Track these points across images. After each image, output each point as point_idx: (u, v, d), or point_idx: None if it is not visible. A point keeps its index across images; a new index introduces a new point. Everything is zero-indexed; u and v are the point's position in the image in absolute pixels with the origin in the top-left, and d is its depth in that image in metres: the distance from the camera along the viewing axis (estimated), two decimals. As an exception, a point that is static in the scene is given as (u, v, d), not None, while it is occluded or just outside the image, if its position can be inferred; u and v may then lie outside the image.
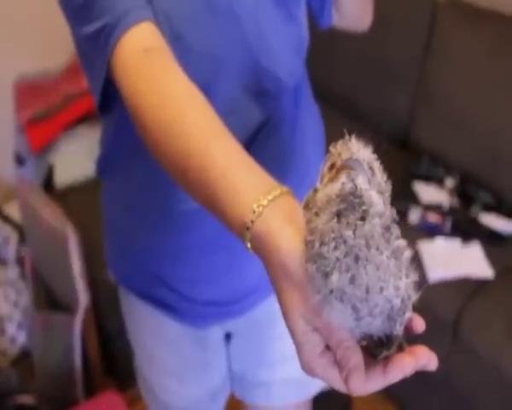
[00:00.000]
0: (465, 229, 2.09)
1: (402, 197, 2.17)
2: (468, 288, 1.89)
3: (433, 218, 2.11)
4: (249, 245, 0.60)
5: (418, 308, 0.56)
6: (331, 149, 0.55)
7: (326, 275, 0.52)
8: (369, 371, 0.55)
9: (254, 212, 0.59)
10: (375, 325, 0.54)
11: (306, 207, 0.56)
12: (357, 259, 0.51)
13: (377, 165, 0.55)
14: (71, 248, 1.84)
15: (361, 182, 0.52)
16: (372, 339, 0.56)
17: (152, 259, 1.04)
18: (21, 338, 2.17)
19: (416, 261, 0.55)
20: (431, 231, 2.07)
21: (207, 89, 0.77)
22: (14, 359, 2.15)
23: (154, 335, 1.15)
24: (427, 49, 2.39)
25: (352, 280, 0.51)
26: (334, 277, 0.51)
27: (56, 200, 2.13)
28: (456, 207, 2.18)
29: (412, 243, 1.90)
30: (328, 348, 0.56)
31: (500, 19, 2.23)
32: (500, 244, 2.05)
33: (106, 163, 1.06)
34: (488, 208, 2.17)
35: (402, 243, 0.54)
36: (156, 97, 0.71)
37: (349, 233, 0.51)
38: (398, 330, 0.56)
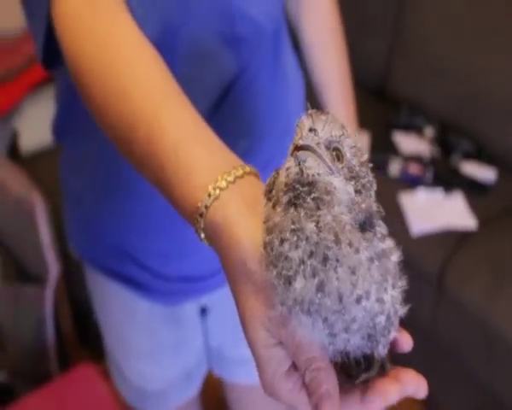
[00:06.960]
0: (446, 179, 2.06)
1: (381, 149, 2.13)
2: (451, 240, 1.86)
3: (413, 169, 2.07)
4: (203, 235, 0.52)
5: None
6: (295, 123, 0.47)
7: (289, 281, 0.43)
8: (345, 397, 0.46)
9: (210, 195, 0.50)
10: (353, 344, 0.46)
11: (267, 194, 0.47)
12: (325, 260, 0.42)
13: (348, 143, 0.46)
14: (38, 217, 1.76)
15: (311, 166, 0.44)
16: (349, 357, 0.47)
17: (118, 233, 0.95)
18: (-9, 313, 2.10)
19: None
20: (412, 183, 2.03)
21: (171, 34, 0.68)
22: (-15, 335, 2.09)
23: (123, 315, 1.08)
24: (404, -7, 2.30)
25: (321, 287, 0.42)
26: (298, 283, 0.43)
27: (22, 167, 2.04)
28: (436, 157, 2.15)
29: (393, 195, 1.86)
30: (295, 366, 0.47)
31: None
32: (482, 194, 2.02)
33: (62, 125, 0.96)
34: (468, 156, 2.15)
35: (389, 243, 0.46)
36: (94, 48, 0.61)
37: (311, 226, 0.42)
38: (381, 351, 0.48)
